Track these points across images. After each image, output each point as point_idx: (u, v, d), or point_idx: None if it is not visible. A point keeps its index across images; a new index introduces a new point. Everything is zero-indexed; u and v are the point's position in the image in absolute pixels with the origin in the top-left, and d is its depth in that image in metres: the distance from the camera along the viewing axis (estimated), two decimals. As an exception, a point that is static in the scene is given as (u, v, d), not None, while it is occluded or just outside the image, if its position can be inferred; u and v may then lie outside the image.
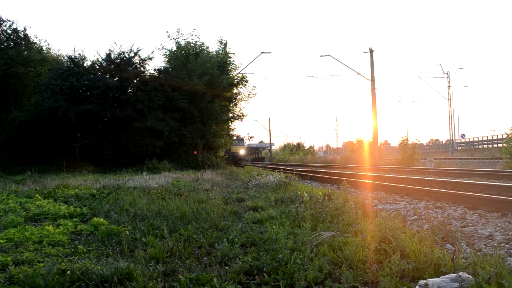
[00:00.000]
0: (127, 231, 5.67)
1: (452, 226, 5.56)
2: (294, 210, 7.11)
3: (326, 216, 6.28)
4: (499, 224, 6.00)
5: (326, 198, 8.05)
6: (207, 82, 31.46)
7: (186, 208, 7.55)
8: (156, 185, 13.05)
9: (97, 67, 31.23)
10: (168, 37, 36.91)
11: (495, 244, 4.91)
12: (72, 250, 4.81)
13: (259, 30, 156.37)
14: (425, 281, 3.22)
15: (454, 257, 3.93)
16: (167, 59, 35.91)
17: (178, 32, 38.89)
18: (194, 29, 46.99)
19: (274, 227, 5.82)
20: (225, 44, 39.37)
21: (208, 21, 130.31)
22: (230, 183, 15.54)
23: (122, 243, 4.98)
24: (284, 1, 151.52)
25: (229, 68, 38.17)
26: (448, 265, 3.62)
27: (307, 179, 17.80)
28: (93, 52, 45.39)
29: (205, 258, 4.45)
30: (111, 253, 4.61)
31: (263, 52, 40.58)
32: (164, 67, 33.46)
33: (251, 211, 7.71)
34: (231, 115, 38.94)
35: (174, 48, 35.89)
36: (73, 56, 31.34)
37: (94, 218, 6.58)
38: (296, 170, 23.10)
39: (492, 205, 7.30)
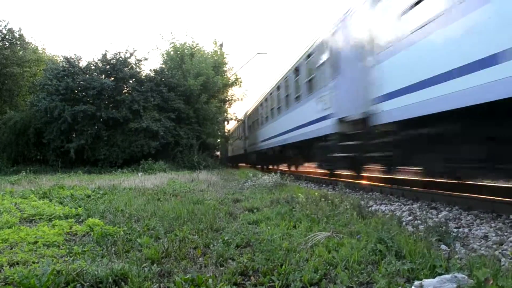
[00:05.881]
0: (122, 232, 5.67)
1: (447, 227, 5.57)
2: (289, 211, 7.11)
3: (322, 217, 6.28)
4: (493, 225, 6.01)
5: (322, 199, 8.07)
6: (203, 83, 31.53)
7: (181, 209, 7.56)
8: (152, 186, 13.04)
9: (93, 67, 31.14)
10: (162, 38, 37.16)
11: (490, 244, 4.92)
12: (67, 251, 4.78)
13: (256, 30, 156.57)
14: (420, 281, 3.23)
15: (449, 257, 3.94)
16: (163, 59, 35.92)
17: (171, 34, 38.95)
18: (189, 30, 46.91)
19: (269, 228, 5.81)
20: (221, 45, 39.41)
21: (203, 21, 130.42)
22: (226, 183, 15.53)
23: (117, 244, 4.97)
24: (280, 2, 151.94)
25: (224, 69, 38.18)
26: (443, 266, 3.63)
27: (303, 180, 17.79)
28: (88, 52, 45.17)
29: (200, 259, 4.44)
30: (106, 254, 4.60)
31: (259, 53, 40.65)
32: (160, 67, 33.39)
33: (246, 212, 7.70)
34: (226, 115, 38.84)
35: (169, 49, 35.89)
36: (68, 57, 31.28)
37: (89, 218, 6.56)
38: (291, 171, 23.23)
39: (487, 206, 7.32)
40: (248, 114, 36.05)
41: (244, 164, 43.73)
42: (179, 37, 35.57)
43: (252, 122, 33.26)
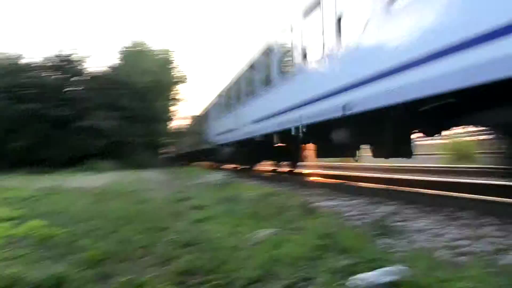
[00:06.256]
0: (64, 234, 5.54)
1: (388, 221, 5.71)
2: (236, 208, 7.12)
3: (269, 213, 6.32)
4: (433, 218, 6.19)
5: (269, 195, 8.13)
6: (151, 81, 31.34)
7: (127, 209, 7.45)
8: (97, 185, 12.83)
9: (38, 65, 30.41)
10: (110, 35, 36.98)
11: (430, 237, 5.06)
12: (6, 254, 4.65)
13: (205, 29, 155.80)
14: (362, 274, 3.28)
15: (391, 250, 4.03)
16: (110, 57, 35.67)
17: (119, 30, 38.88)
18: (137, 27, 46.91)
19: (216, 225, 5.81)
20: (169, 42, 39.53)
21: (151, 19, 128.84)
22: (173, 182, 15.43)
23: (59, 246, 4.86)
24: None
25: (172, 67, 38.11)
26: (385, 259, 3.71)
27: (251, 177, 17.86)
28: (34, 49, 44.12)
29: (145, 258, 4.38)
30: (47, 257, 4.49)
31: (206, 51, 40.63)
32: (107, 65, 33.02)
33: (193, 210, 7.66)
34: (173, 114, 38.81)
35: (118, 46, 35.63)
36: (11, 54, 30.44)
37: (30, 220, 6.39)
38: (241, 169, 23.28)
39: (427, 200, 7.54)
40: (226, 89, 23.61)
41: (205, 163, 34.34)
42: (128, 34, 35.66)
43: (235, 95, 20.97)
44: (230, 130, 20.94)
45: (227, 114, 22.39)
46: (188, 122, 40.60)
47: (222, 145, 23.42)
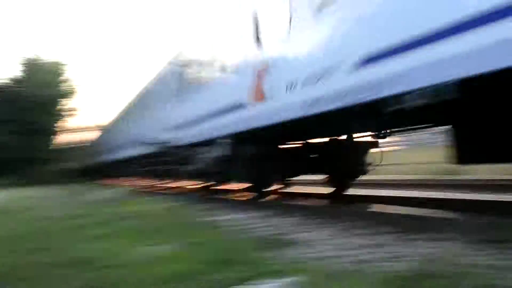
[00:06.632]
0: None
1: (287, 234, 5.77)
2: (132, 225, 6.96)
3: (165, 229, 6.24)
4: (334, 228, 6.31)
5: (169, 211, 8.05)
6: (46, 94, 30.59)
7: (17, 228, 7.10)
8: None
9: None
10: (6, 47, 36.27)
11: (330, 248, 5.14)
12: None
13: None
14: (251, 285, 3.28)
15: (285, 262, 4.06)
16: (5, 70, 34.59)
17: (15, 43, 38.05)
18: (31, 40, 46.04)
19: (112, 243, 5.62)
20: (64, 56, 39.19)
21: (47, 31, 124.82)
22: (69, 198, 14.89)
23: None
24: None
25: (62, 80, 37.45)
26: (278, 271, 3.71)
27: (150, 192, 17.59)
28: None
29: (31, 281, 4.10)
30: None
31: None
32: (2, 78, 31.90)
33: (89, 227, 7.36)
34: (69, 127, 38.14)
35: (13, 59, 34.82)
36: None
37: None
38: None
39: (328, 212, 7.71)
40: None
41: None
42: (22, 46, 35.09)
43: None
44: (221, 113, 10.51)
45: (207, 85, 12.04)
46: (100, 127, 34.27)
47: (188, 146, 13.08)
